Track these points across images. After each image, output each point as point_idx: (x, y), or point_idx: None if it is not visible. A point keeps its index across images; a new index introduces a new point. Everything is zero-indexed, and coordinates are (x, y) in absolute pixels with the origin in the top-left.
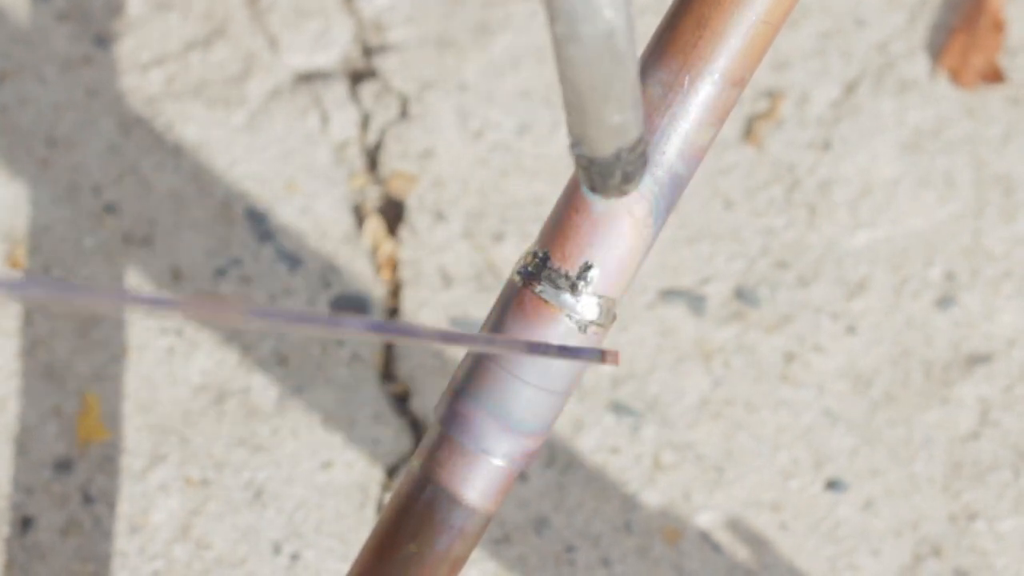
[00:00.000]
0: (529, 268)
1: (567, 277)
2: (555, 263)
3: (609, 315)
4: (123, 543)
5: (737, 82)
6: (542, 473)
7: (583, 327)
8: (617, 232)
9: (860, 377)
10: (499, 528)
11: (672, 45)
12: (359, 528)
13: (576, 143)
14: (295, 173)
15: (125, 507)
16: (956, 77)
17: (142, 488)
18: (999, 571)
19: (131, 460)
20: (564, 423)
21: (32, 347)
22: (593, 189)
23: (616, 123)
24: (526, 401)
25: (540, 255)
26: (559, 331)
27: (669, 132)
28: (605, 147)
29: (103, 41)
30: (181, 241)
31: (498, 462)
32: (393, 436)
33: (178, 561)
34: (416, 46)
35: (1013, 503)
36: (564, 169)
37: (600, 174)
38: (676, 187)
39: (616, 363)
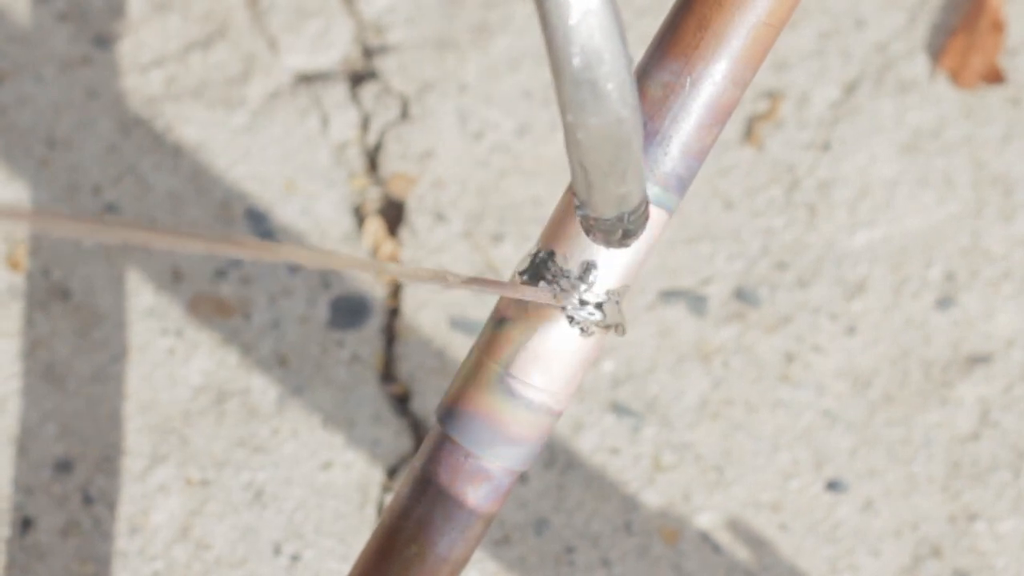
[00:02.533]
0: (530, 268)
1: (569, 278)
2: (557, 263)
3: (615, 316)
4: (123, 544)
5: (738, 83)
6: (542, 474)
7: (585, 328)
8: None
9: (859, 377)
10: (499, 529)
11: (674, 46)
12: (359, 529)
13: (581, 205)
14: (295, 174)
15: (125, 508)
16: (956, 78)
17: (142, 489)
18: (998, 571)
19: (131, 461)
20: (564, 424)
21: (32, 348)
22: (595, 241)
23: (620, 193)
24: (527, 403)
25: (541, 255)
26: (560, 332)
27: (671, 133)
28: (609, 211)
29: (103, 42)
30: None
31: (499, 463)
32: (393, 437)
33: (178, 562)
34: (416, 47)
35: (1012, 503)
36: (563, 170)
37: (602, 231)
38: (678, 188)
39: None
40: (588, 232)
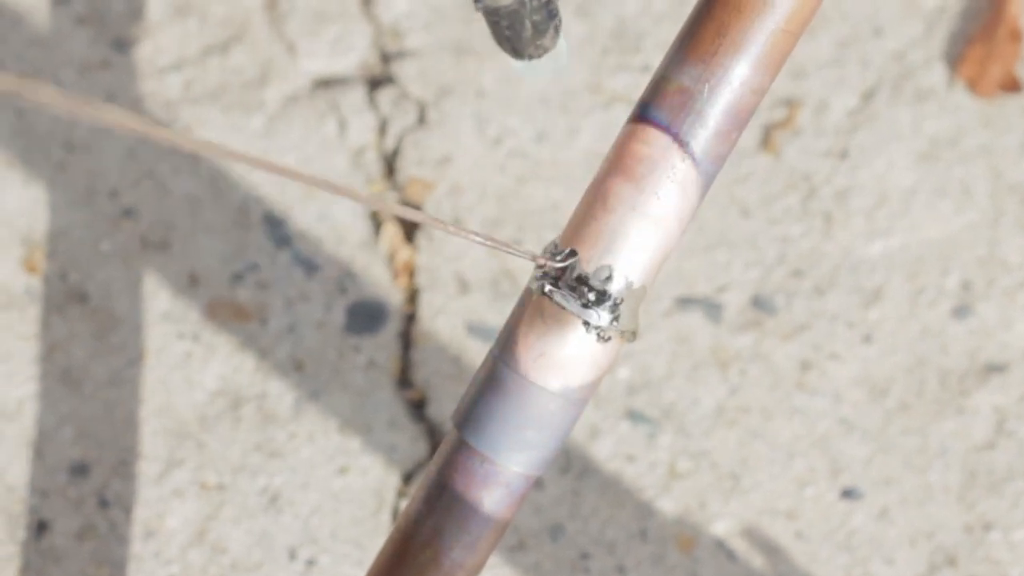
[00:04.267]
0: (547, 273)
1: (587, 284)
2: (575, 269)
3: (631, 321)
4: (138, 547)
5: (757, 90)
6: (558, 480)
7: (603, 335)
8: (638, 239)
9: (876, 386)
10: (514, 535)
11: (692, 53)
12: (375, 534)
13: None
14: None
15: (141, 512)
16: (973, 86)
17: (158, 493)
18: None
19: (147, 465)
20: (580, 430)
21: (49, 351)
22: (514, 54)
23: None
24: (544, 408)
25: (558, 260)
26: (577, 338)
27: (688, 138)
28: None
29: (121, 45)
30: (198, 246)
31: (515, 469)
32: (409, 442)
33: (193, 566)
34: (434, 52)
35: None
36: (582, 176)
37: (510, 28)
38: (696, 193)
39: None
40: (504, 46)
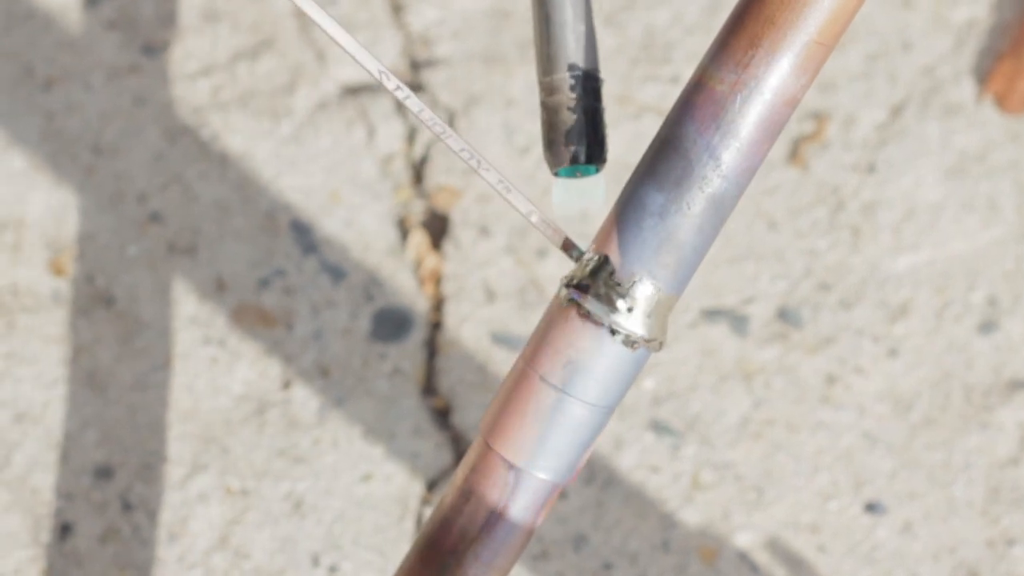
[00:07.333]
0: (576, 281)
1: (616, 291)
2: (603, 276)
3: (659, 331)
4: (162, 551)
5: (789, 102)
6: (581, 490)
7: (631, 343)
8: (667, 248)
9: (900, 400)
10: (538, 544)
11: (725, 63)
12: (398, 541)
13: None
14: (340, 185)
15: (164, 515)
16: (1002, 102)
17: (182, 497)
18: None
19: (171, 469)
20: (604, 441)
21: (75, 354)
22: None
23: None
24: (571, 416)
25: (588, 268)
26: (605, 346)
27: (720, 149)
28: None
29: (151, 50)
30: (225, 251)
31: (542, 476)
32: (433, 450)
33: (216, 570)
34: (463, 61)
35: None
36: (610, 186)
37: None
38: (726, 204)
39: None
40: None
